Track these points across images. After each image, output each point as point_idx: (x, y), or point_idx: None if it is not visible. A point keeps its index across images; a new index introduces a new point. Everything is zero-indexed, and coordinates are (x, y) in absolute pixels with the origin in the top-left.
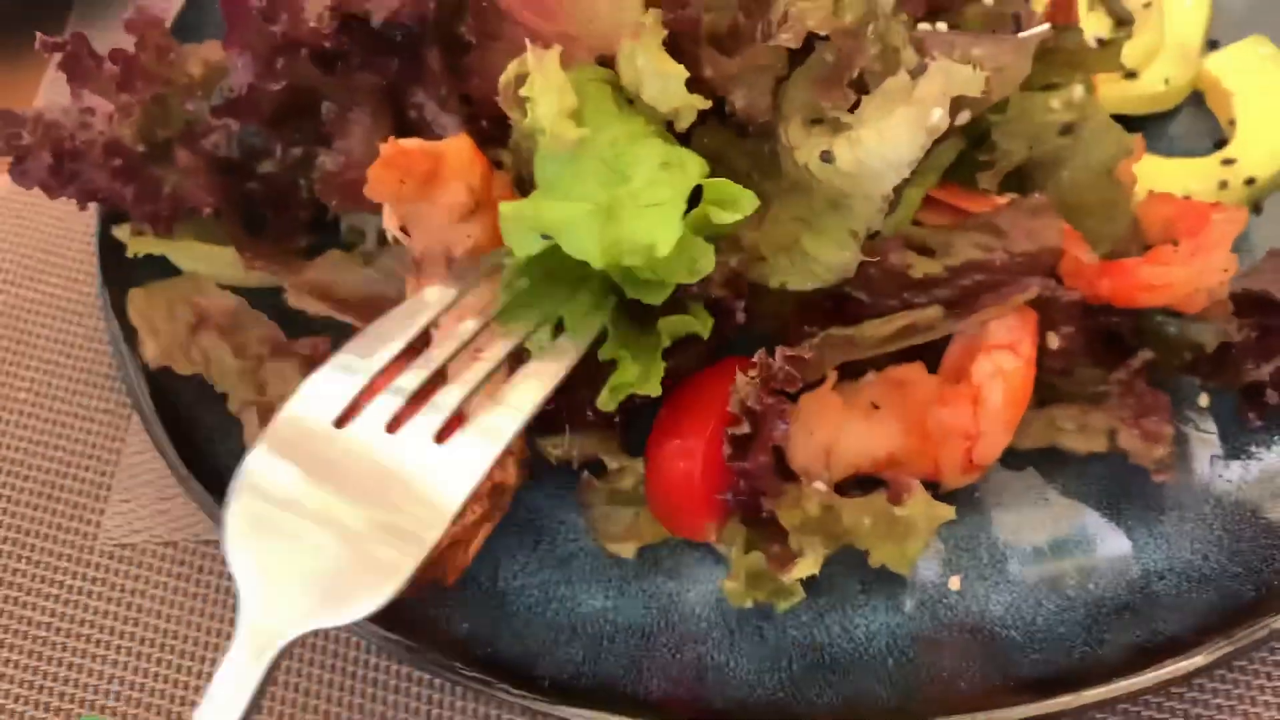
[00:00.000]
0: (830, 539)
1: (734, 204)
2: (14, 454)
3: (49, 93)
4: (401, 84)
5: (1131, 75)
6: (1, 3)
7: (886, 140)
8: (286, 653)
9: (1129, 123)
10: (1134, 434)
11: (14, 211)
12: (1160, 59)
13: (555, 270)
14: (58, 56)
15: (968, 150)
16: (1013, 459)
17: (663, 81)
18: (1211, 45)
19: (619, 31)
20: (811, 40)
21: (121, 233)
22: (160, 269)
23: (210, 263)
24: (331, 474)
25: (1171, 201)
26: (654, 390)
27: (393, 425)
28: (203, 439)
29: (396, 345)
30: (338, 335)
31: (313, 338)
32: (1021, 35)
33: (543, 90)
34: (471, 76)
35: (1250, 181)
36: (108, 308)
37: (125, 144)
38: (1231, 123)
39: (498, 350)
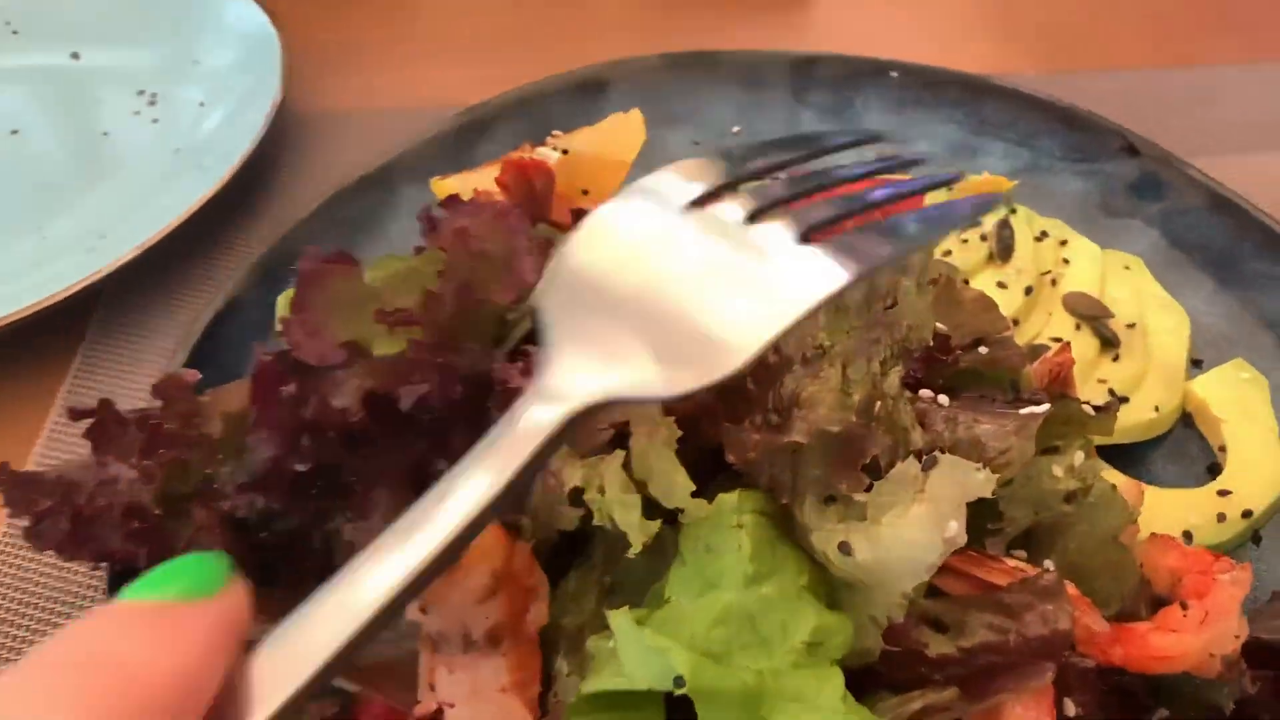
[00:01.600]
0: None
1: None
2: None
3: (53, 426)
4: (426, 457)
5: (1122, 401)
6: (16, 326)
7: (905, 542)
8: (585, 418)
9: (1122, 450)
10: None
11: (13, 562)
12: (1147, 383)
13: None
14: (79, 361)
15: (974, 513)
16: None
17: (669, 485)
18: (1195, 364)
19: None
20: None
21: None
22: None
23: None
24: (674, 246)
25: (1174, 549)
26: None
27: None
28: None
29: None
30: (346, 700)
31: (319, 703)
32: (1023, 413)
33: (615, 498)
34: None
35: (1247, 514)
36: None
37: (144, 506)
38: (1222, 449)
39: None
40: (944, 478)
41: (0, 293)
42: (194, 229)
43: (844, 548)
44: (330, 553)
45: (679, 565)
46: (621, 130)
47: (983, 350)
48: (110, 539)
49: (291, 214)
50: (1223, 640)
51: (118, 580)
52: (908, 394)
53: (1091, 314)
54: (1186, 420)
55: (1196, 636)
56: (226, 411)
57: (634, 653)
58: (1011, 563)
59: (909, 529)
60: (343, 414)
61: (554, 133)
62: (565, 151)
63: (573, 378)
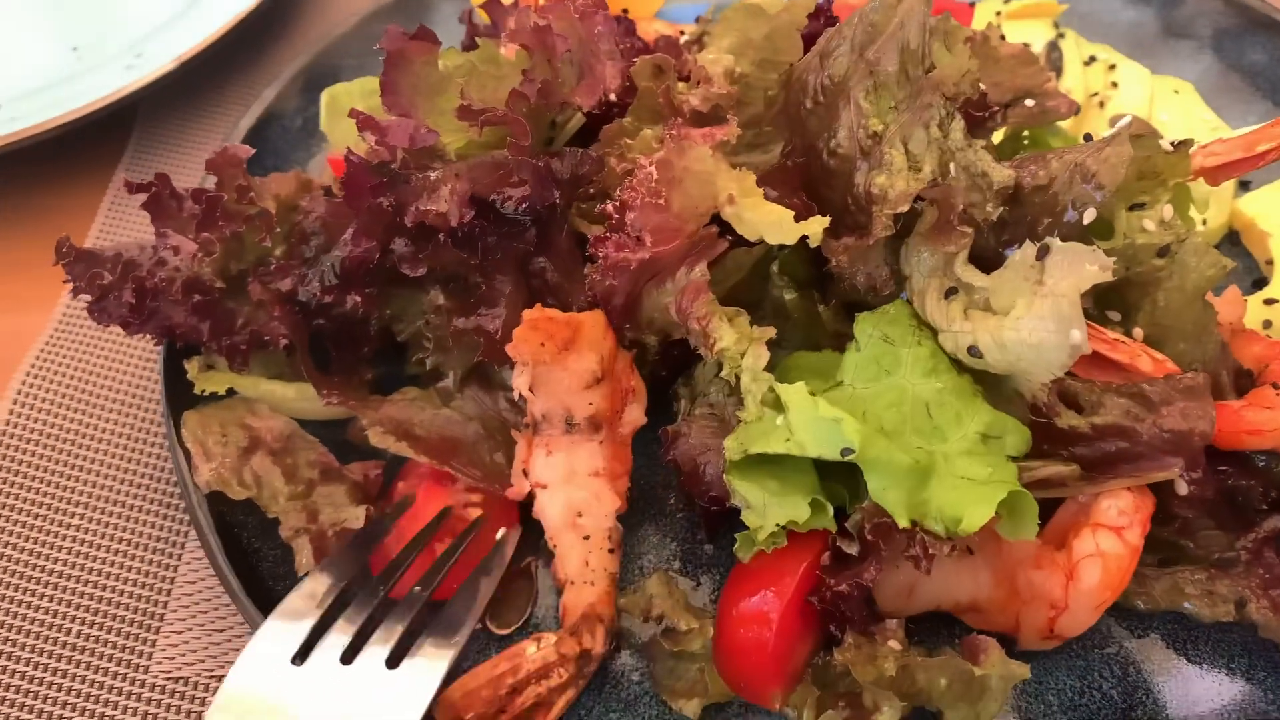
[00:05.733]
0: (905, 696)
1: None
2: (69, 582)
3: (106, 216)
4: (529, 254)
5: None
6: (62, 129)
7: (1030, 345)
8: None
9: None
10: (1264, 606)
11: (76, 340)
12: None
13: None
14: (119, 179)
15: None
16: (1136, 622)
17: (777, 228)
18: (1243, 185)
19: (715, 203)
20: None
21: (191, 369)
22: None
23: (276, 399)
24: (296, 713)
25: (1257, 340)
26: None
27: (348, 656)
28: (263, 568)
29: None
30: (390, 463)
31: (363, 463)
32: (1115, 129)
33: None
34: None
35: None
36: (172, 434)
37: (204, 280)
38: (1269, 262)
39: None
40: (1060, 267)
41: (40, 100)
42: (230, 48)
43: (973, 350)
44: (384, 339)
45: (853, 351)
46: None
47: (1029, 103)
48: (173, 313)
49: (330, 31)
50: None
51: (171, 349)
52: (980, 142)
53: (1138, 135)
54: (1233, 239)
55: None
56: (279, 194)
57: (806, 423)
58: (1137, 344)
59: (1034, 331)
60: (444, 218)
61: None
62: None
63: None
